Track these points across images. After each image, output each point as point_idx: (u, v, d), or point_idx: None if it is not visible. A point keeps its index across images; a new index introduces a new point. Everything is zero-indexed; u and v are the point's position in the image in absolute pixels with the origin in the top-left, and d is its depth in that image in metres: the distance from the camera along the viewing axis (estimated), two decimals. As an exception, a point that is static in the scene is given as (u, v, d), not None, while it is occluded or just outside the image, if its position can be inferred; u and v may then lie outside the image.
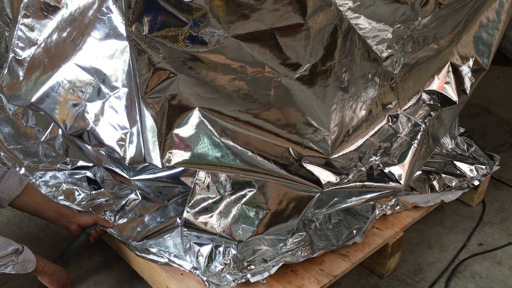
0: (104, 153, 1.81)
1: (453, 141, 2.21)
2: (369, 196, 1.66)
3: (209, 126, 1.33)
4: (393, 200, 1.88)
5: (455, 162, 2.08)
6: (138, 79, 1.24)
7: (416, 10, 1.49)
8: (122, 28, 1.38)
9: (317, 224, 1.76)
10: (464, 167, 2.08)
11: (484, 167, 2.10)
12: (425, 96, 1.80)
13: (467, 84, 1.87)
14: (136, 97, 1.33)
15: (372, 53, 1.57)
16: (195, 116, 1.33)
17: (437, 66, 1.83)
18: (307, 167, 1.51)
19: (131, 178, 1.78)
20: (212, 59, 1.25)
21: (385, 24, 1.48)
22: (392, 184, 1.60)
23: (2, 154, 2.17)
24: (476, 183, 2.06)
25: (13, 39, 1.65)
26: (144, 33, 1.15)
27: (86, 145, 1.87)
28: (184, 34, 1.17)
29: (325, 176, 1.54)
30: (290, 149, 1.50)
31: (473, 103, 3.13)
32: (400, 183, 1.60)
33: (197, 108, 1.33)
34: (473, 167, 2.09)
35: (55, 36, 1.58)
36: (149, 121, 1.28)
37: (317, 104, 1.50)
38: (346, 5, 1.33)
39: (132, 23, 1.14)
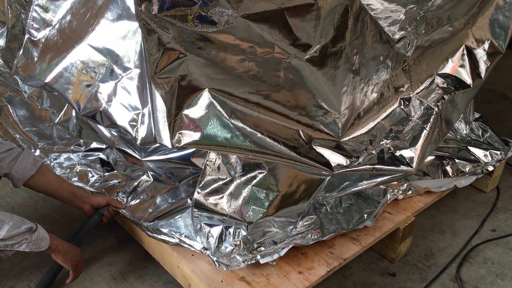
0: (116, 134, 1.83)
1: (467, 126, 2.18)
2: (380, 179, 1.65)
3: (219, 107, 1.34)
4: (405, 184, 1.87)
5: (469, 147, 2.06)
6: (147, 59, 1.25)
7: (430, -10, 1.46)
8: (133, 7, 1.39)
9: (327, 208, 1.76)
10: (478, 152, 2.06)
11: (499, 152, 2.07)
12: (438, 79, 1.78)
13: (482, 67, 1.84)
14: (147, 78, 1.33)
15: (384, 34, 1.55)
16: (205, 97, 1.34)
17: (451, 48, 1.80)
18: (317, 150, 1.51)
19: (143, 159, 1.80)
20: (222, 39, 1.25)
21: (398, 4, 1.46)
22: (403, 167, 1.58)
23: (17, 136, 2.21)
24: (491, 168, 2.04)
25: (28, 20, 1.67)
26: (153, 13, 1.16)
27: (99, 126, 1.90)
28: (194, 13, 1.17)
29: (335, 158, 1.54)
30: (300, 131, 1.50)
31: (490, 88, 3.08)
32: (412, 167, 1.58)
33: (207, 89, 1.33)
34: (487, 153, 2.06)
35: (69, 17, 1.59)
36: (159, 102, 1.29)
37: (328, 86, 1.49)
38: (357, -16, 1.31)
39: (141, 2, 1.14)
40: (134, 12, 1.37)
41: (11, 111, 2.35)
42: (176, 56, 1.26)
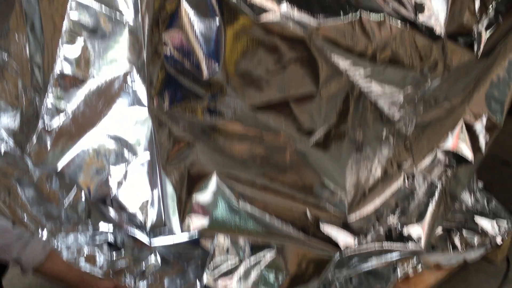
0: (125, 217, 1.85)
1: (472, 196, 2.20)
2: (389, 256, 1.65)
3: (227, 192, 1.37)
4: (415, 259, 1.85)
5: (475, 218, 2.06)
6: (159, 149, 1.30)
7: (425, 74, 1.54)
8: (145, 98, 1.47)
9: (337, 284, 1.74)
10: (485, 223, 2.05)
11: (505, 221, 2.07)
12: (440, 155, 1.82)
13: (482, 142, 1.88)
14: (157, 164, 1.38)
15: (385, 115, 1.61)
16: (213, 182, 1.37)
17: (450, 124, 1.86)
18: (325, 229, 1.53)
19: (152, 246, 1.80)
20: (230, 128, 1.30)
21: (396, 87, 1.53)
22: (411, 245, 1.59)
23: (25, 216, 2.22)
24: (499, 241, 2.03)
25: (42, 109, 1.74)
26: (164, 107, 1.22)
27: (109, 208, 1.92)
28: (203, 106, 1.23)
29: (343, 237, 1.55)
30: (307, 211, 1.52)
31: (491, 154, 3.10)
32: (420, 245, 1.59)
33: (215, 174, 1.37)
34: (494, 223, 2.06)
35: (82, 106, 1.66)
36: (169, 188, 1.33)
37: (333, 166, 1.53)
38: (357, 73, 1.38)
39: (153, 97, 1.20)
40: (144, 101, 1.45)
41: (19, 191, 2.37)
42: (186, 144, 1.31)
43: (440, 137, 1.84)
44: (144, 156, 1.53)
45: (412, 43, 1.41)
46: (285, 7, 1.14)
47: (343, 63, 1.30)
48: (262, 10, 1.12)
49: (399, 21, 1.37)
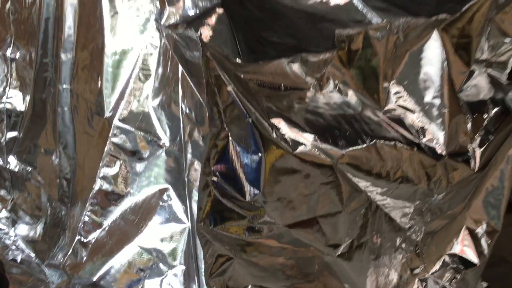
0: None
1: (477, 296, 2.31)
2: None
3: (261, 302, 1.49)
4: None
5: (484, 319, 2.16)
6: (202, 265, 1.43)
7: (432, 189, 1.73)
8: (180, 213, 1.63)
9: None
10: (492, 323, 2.15)
11: (513, 323, 2.17)
12: (448, 259, 1.96)
13: (484, 245, 2.04)
14: (196, 277, 1.50)
15: (397, 225, 1.77)
16: (248, 294, 1.49)
17: (454, 230, 2.02)
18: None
19: None
20: (266, 243, 1.45)
21: (407, 201, 1.71)
22: None
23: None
24: None
25: (79, 224, 1.87)
26: (210, 228, 1.37)
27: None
28: (244, 226, 1.39)
29: None
30: (333, 318, 1.62)
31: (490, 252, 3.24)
32: None
33: (250, 285, 1.49)
34: (502, 324, 2.15)
35: (119, 221, 1.80)
36: (210, 304, 1.44)
37: (355, 274, 1.66)
38: (374, 191, 1.57)
39: (201, 220, 1.36)
40: (180, 216, 1.62)
41: (35, 302, 2.42)
42: (225, 259, 1.44)
43: (447, 243, 1.99)
44: (179, 269, 1.65)
45: (419, 163, 1.61)
46: (315, 140, 1.35)
47: (362, 183, 1.48)
48: (297, 143, 1.32)
49: (407, 145, 1.58)
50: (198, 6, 1.31)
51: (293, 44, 1.59)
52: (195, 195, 1.56)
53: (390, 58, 1.66)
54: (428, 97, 1.74)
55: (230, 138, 1.28)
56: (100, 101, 1.91)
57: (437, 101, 1.74)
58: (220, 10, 1.29)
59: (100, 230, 1.85)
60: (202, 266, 1.55)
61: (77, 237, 1.89)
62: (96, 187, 1.85)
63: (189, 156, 1.56)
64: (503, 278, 3.03)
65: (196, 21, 1.27)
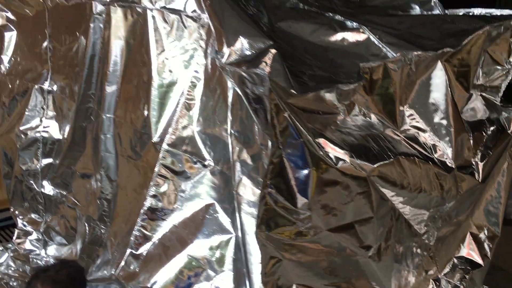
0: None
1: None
2: None
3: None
4: None
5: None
6: (253, 268, 1.66)
7: (444, 198, 2.00)
8: (227, 225, 1.86)
9: None
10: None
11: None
12: (457, 262, 2.23)
13: (487, 249, 2.32)
14: (248, 280, 1.72)
15: (414, 230, 2.03)
16: (294, 291, 1.73)
17: (461, 236, 2.30)
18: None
19: None
20: (310, 246, 1.69)
21: (424, 209, 1.97)
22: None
23: None
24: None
25: (131, 238, 2.07)
26: (266, 232, 1.61)
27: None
28: (294, 230, 1.63)
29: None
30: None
31: (485, 262, 3.51)
32: None
33: (294, 285, 1.73)
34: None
35: (168, 234, 2.01)
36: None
37: (381, 274, 1.90)
38: (397, 200, 1.83)
39: (258, 226, 1.59)
40: (226, 227, 1.85)
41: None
42: (276, 261, 1.67)
43: (455, 247, 2.27)
44: (227, 274, 1.87)
45: (434, 175, 1.88)
46: (351, 156, 1.61)
47: (389, 193, 1.75)
48: (338, 159, 1.58)
49: (424, 160, 1.85)
50: (254, 47, 1.57)
51: (324, 75, 1.87)
52: (245, 207, 1.79)
53: (404, 86, 1.95)
54: (436, 118, 2.04)
55: (284, 156, 1.52)
56: (147, 128, 2.14)
57: (444, 122, 2.04)
58: (273, 50, 1.56)
59: (150, 243, 2.05)
60: (253, 269, 1.77)
61: (128, 250, 2.09)
62: (147, 204, 2.07)
63: (237, 173, 1.80)
64: (499, 285, 3.29)
65: (255, 60, 1.54)
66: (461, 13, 2.53)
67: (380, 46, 2.05)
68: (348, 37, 2.09)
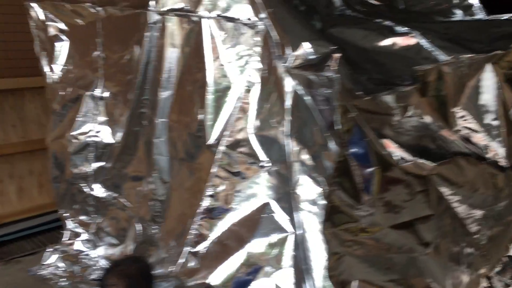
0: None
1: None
2: None
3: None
4: None
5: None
6: (313, 264, 1.72)
7: (498, 197, 2.04)
8: (285, 223, 1.92)
9: None
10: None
11: None
12: (507, 260, 2.25)
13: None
14: (308, 275, 1.78)
15: (467, 230, 2.07)
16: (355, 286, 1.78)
17: (509, 236, 2.32)
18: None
19: None
20: (371, 243, 1.75)
21: (478, 209, 2.01)
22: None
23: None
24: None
25: (188, 237, 2.15)
26: (331, 229, 1.67)
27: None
28: (357, 227, 1.69)
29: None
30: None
31: None
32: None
33: (357, 280, 1.78)
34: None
35: (226, 232, 2.09)
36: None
37: (437, 270, 1.94)
38: (453, 199, 1.87)
39: (324, 223, 1.66)
40: (282, 225, 1.92)
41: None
42: (339, 256, 1.74)
43: (504, 247, 2.29)
44: (287, 271, 1.93)
45: (488, 175, 1.93)
46: (413, 156, 1.67)
47: (446, 192, 1.80)
48: (401, 158, 1.64)
49: (478, 160, 1.90)
50: (318, 52, 1.65)
51: (380, 78, 1.93)
52: (304, 206, 1.86)
53: (456, 88, 2.01)
54: (487, 119, 2.08)
55: (350, 155, 1.59)
56: (202, 131, 2.22)
57: (495, 123, 2.08)
58: (337, 55, 1.64)
59: (208, 241, 2.13)
60: (312, 265, 1.83)
61: (186, 248, 2.17)
62: (204, 204, 2.15)
63: (296, 173, 1.86)
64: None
65: (320, 64, 1.61)
66: (504, 18, 2.58)
67: (431, 49, 2.10)
68: (398, 42, 2.15)
